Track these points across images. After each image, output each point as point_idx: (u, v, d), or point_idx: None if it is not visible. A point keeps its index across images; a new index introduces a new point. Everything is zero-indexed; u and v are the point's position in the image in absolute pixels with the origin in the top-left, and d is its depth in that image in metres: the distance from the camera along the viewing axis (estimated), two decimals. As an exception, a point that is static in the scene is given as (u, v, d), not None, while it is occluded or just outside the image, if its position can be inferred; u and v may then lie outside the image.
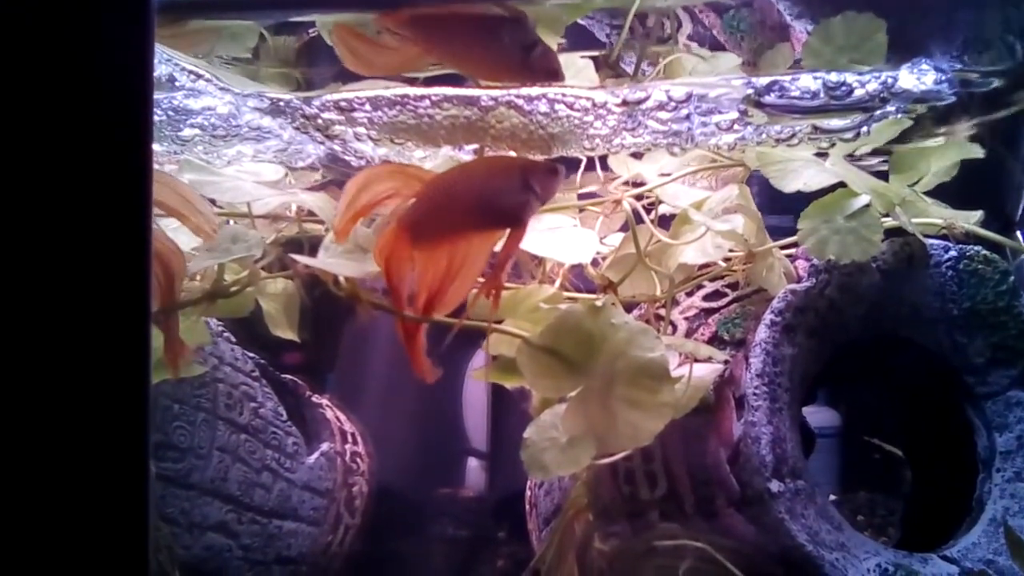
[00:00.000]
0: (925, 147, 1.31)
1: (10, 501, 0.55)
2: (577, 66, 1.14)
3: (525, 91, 0.97)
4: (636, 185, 1.33)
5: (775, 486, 1.13)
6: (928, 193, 1.40)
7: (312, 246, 1.34)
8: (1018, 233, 1.95)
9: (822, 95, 0.97)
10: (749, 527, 1.20)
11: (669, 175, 1.35)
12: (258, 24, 0.99)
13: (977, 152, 1.34)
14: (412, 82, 1.06)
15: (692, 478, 1.25)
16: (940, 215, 1.38)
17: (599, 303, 1.06)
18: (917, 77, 0.98)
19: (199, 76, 0.95)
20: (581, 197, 1.49)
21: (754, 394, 1.17)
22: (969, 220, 1.37)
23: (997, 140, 1.40)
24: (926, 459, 1.52)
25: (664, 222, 1.36)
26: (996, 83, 1.04)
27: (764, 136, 1.09)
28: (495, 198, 0.95)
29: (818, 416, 1.99)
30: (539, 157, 1.12)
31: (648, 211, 1.36)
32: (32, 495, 0.55)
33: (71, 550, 0.57)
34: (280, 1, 0.84)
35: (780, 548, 1.12)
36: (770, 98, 0.97)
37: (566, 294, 1.35)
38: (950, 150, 1.34)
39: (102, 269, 0.58)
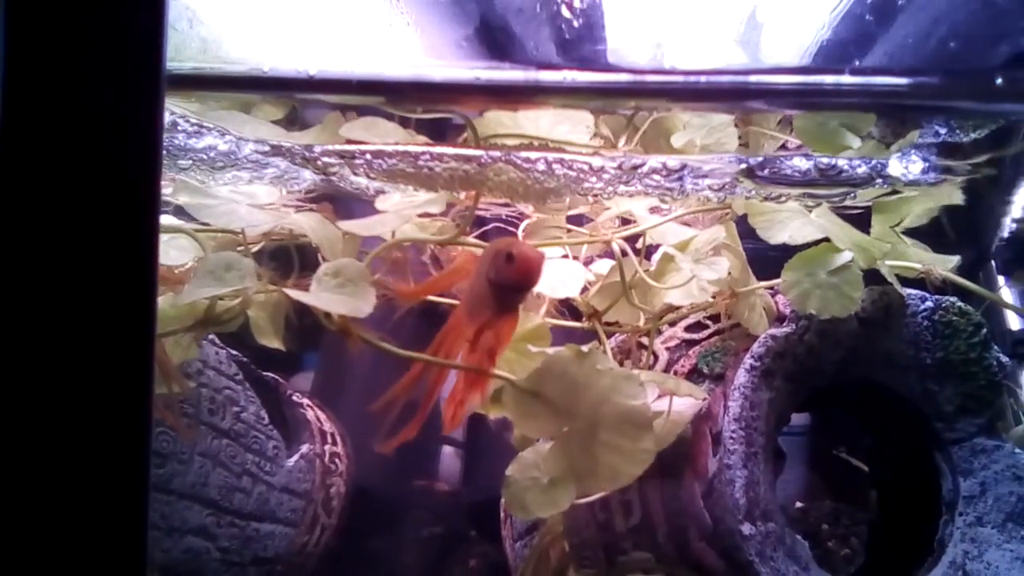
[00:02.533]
0: (907, 195, 1.33)
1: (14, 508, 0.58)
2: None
3: (524, 154, 0.98)
4: (624, 222, 1.35)
5: (747, 529, 1.16)
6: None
7: (300, 253, 1.35)
8: (992, 263, 2.00)
9: (813, 173, 0.99)
10: (720, 561, 1.23)
11: (657, 208, 1.37)
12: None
13: (957, 199, 1.37)
14: (405, 123, 1.07)
15: (666, 509, 1.28)
16: (919, 259, 1.41)
17: (585, 349, 1.08)
18: (905, 166, 1.00)
19: (202, 126, 0.96)
20: (570, 219, 1.50)
21: (731, 437, 1.20)
22: (946, 266, 1.40)
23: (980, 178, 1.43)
24: (892, 495, 1.56)
25: (652, 250, 1.38)
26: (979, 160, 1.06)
27: (754, 194, 1.11)
28: (473, 288, 1.02)
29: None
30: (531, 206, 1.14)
31: (636, 239, 1.37)
32: (34, 502, 0.58)
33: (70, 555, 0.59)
34: (286, 84, 0.85)
35: (749, 589, 1.16)
36: (763, 173, 0.99)
37: (552, 322, 1.37)
38: (933, 195, 1.37)
39: (110, 286, 0.60)
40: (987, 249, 1.97)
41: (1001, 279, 1.96)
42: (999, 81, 0.82)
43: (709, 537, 1.24)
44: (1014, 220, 1.84)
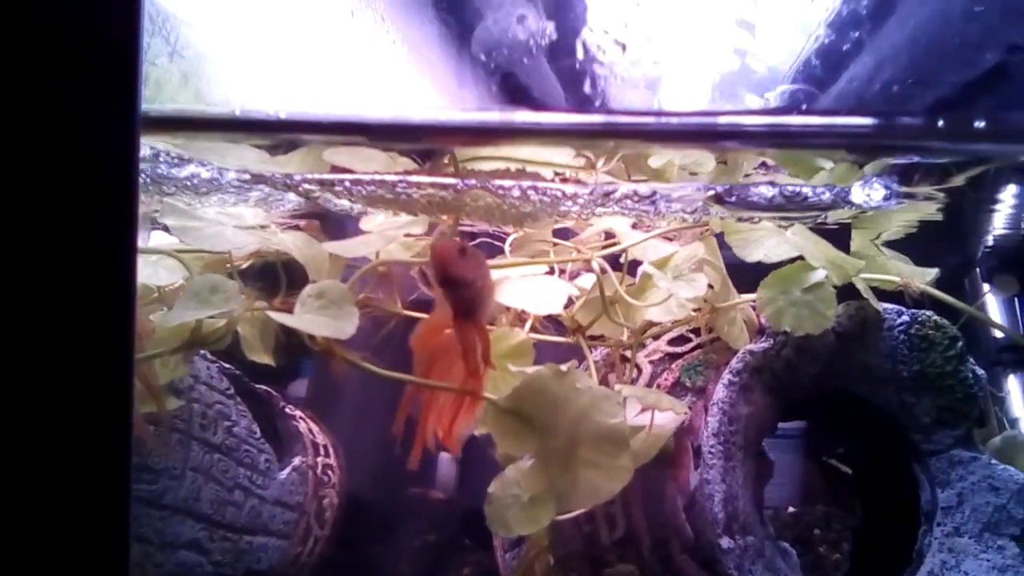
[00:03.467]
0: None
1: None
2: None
3: (498, 181, 1.00)
4: (610, 236, 1.36)
5: (726, 543, 1.18)
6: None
7: (289, 271, 1.36)
8: (977, 271, 2.02)
9: (779, 200, 1.01)
10: (701, 573, 1.25)
11: (640, 224, 1.38)
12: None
13: (935, 213, 1.39)
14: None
15: (649, 522, 1.30)
16: (899, 271, 1.43)
17: (564, 368, 1.10)
18: (867, 194, 1.02)
19: (182, 158, 0.98)
20: (557, 233, 1.52)
21: (710, 452, 1.22)
22: (925, 278, 1.42)
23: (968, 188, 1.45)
24: (874, 505, 1.58)
25: (637, 264, 1.40)
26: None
27: (727, 216, 1.13)
28: None
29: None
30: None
31: (618, 255, 1.39)
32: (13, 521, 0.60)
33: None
34: (256, 126, 0.87)
35: (728, 601, 1.18)
36: (731, 200, 1.01)
37: (536, 336, 1.39)
38: (910, 211, 1.39)
39: (89, 304, 0.62)
40: (972, 257, 1.99)
41: (986, 286, 1.98)
42: (940, 123, 0.85)
43: (691, 550, 1.26)
44: (998, 229, 1.86)
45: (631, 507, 1.31)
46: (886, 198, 1.03)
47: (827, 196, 1.01)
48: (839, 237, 1.35)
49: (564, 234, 1.52)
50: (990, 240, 1.92)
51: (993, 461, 1.32)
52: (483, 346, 1.06)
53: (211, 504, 1.48)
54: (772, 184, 1.00)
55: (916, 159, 1.00)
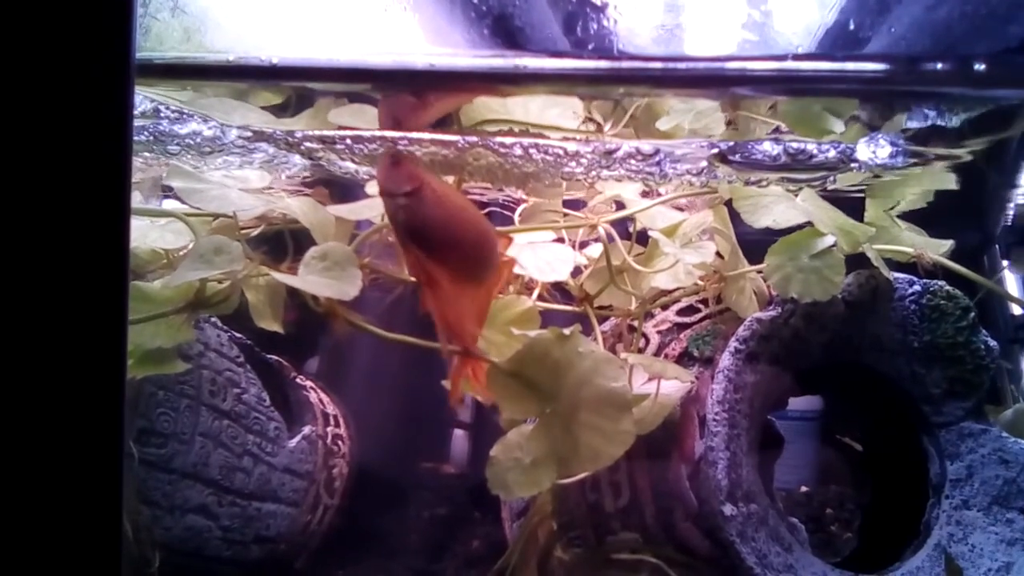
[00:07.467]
0: (901, 176, 1.33)
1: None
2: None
3: (499, 139, 0.99)
4: (621, 206, 1.35)
5: (728, 510, 1.17)
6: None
7: (296, 238, 1.37)
8: (996, 247, 1.99)
9: (783, 158, 0.99)
10: (704, 541, 1.25)
11: (650, 193, 1.37)
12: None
13: (951, 182, 1.37)
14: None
15: (654, 490, 1.30)
16: (912, 242, 1.41)
17: (567, 332, 1.09)
18: (873, 151, 1.00)
19: (183, 112, 0.98)
20: (568, 204, 1.51)
21: (714, 419, 1.21)
22: (939, 250, 1.40)
23: (984, 158, 1.42)
24: (883, 477, 1.56)
25: (644, 235, 1.39)
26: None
27: (735, 179, 1.12)
28: None
29: (801, 400, 1.99)
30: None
31: (628, 223, 1.38)
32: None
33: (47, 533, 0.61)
34: (249, 72, 0.86)
35: (730, 569, 1.17)
36: (735, 158, 1.00)
37: (543, 305, 1.39)
38: (926, 179, 1.37)
39: (84, 265, 0.62)
40: (992, 232, 1.96)
41: (1005, 263, 1.95)
42: (980, 67, 0.82)
43: (695, 518, 1.25)
44: (1019, 204, 1.83)
45: (636, 475, 1.31)
46: (892, 155, 1.01)
47: (832, 154, 1.00)
48: (853, 210, 1.33)
49: (576, 206, 1.51)
50: (1010, 216, 1.90)
51: (1004, 434, 1.31)
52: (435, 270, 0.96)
53: (220, 470, 1.49)
54: (776, 140, 0.99)
55: (932, 115, 0.98)
